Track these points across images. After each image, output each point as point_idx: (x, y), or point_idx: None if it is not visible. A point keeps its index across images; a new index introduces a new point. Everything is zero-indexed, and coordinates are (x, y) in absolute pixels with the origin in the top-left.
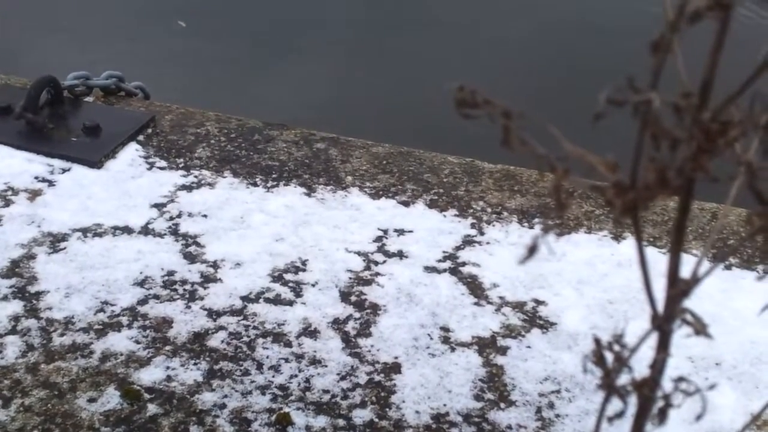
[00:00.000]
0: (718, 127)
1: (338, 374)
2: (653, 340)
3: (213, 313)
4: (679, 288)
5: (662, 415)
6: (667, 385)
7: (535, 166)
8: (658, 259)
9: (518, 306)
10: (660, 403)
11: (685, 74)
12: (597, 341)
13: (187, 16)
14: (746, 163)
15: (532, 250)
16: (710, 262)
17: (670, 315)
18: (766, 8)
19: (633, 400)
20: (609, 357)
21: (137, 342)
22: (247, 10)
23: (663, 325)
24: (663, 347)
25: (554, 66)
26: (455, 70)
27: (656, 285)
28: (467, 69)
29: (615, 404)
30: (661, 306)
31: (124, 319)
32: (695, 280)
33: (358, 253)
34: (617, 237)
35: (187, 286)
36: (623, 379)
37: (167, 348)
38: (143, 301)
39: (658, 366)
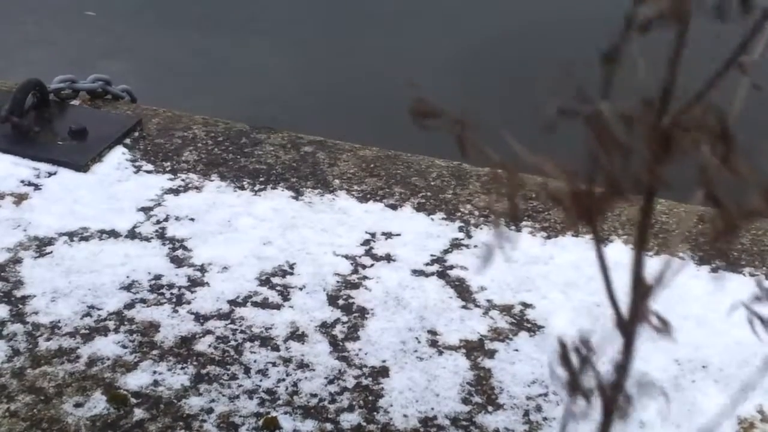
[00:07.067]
0: (672, 136)
1: (326, 378)
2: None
3: (200, 318)
4: (643, 289)
5: (624, 415)
6: (631, 385)
7: (487, 169)
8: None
9: (506, 309)
10: (623, 404)
11: (645, 81)
12: (562, 343)
13: (174, 13)
14: (701, 166)
15: (488, 257)
16: (696, 264)
17: (633, 316)
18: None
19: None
20: (575, 358)
21: (124, 346)
22: (222, 5)
23: (627, 326)
24: (627, 349)
25: (533, 65)
26: (437, 70)
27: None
28: (450, 68)
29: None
30: (625, 307)
31: (111, 324)
32: (659, 281)
33: (346, 257)
34: (604, 240)
35: (174, 290)
36: (590, 381)
37: (154, 352)
38: (130, 306)
39: (621, 367)
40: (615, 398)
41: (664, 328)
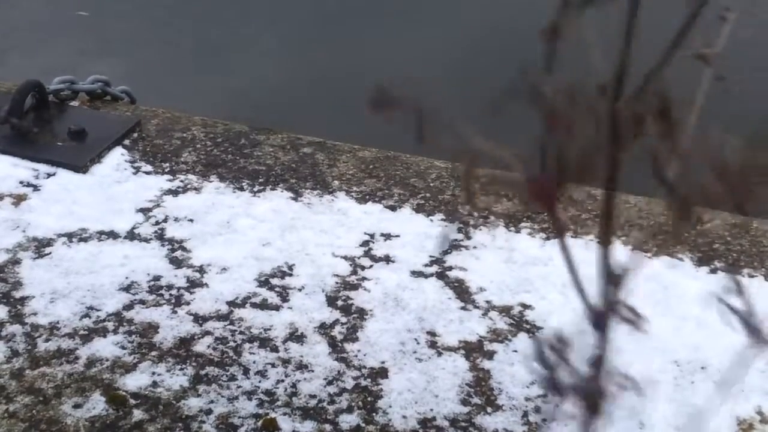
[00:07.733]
0: (622, 119)
1: (325, 379)
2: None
3: (199, 319)
4: (612, 281)
5: (600, 411)
6: (607, 381)
7: (448, 159)
8: (644, 263)
9: (505, 310)
10: (602, 399)
11: (600, 61)
12: (537, 340)
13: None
14: (652, 152)
15: (444, 241)
16: (695, 265)
17: (605, 309)
18: None
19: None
20: (552, 355)
21: (123, 347)
22: (221, 5)
23: (599, 319)
24: (601, 342)
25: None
26: (436, 70)
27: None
28: (450, 68)
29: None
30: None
31: (110, 325)
32: (626, 272)
33: (345, 258)
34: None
35: (173, 291)
36: (568, 377)
37: (153, 353)
38: (129, 307)
39: (597, 361)
40: (594, 394)
41: (636, 320)
